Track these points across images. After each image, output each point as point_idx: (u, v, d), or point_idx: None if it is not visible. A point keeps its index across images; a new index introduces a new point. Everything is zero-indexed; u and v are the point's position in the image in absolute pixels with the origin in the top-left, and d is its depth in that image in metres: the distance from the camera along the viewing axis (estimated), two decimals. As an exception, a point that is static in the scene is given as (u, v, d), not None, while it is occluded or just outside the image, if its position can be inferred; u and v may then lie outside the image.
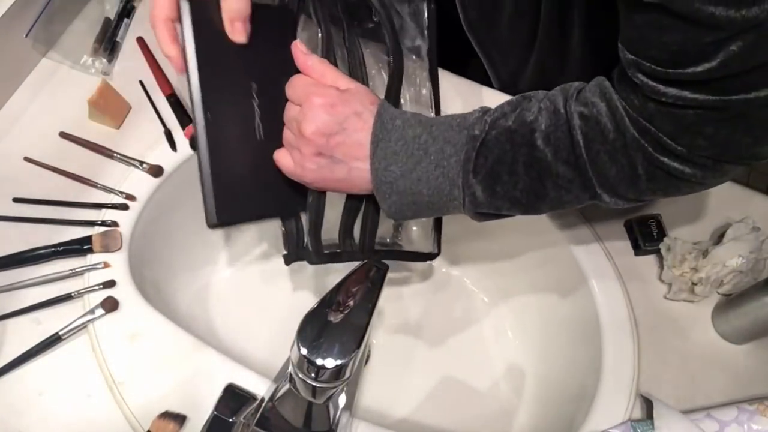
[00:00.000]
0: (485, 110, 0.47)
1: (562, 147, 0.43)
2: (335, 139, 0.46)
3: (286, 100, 0.49)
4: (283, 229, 0.54)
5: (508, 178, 0.44)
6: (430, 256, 0.61)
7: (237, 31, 0.47)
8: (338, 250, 0.54)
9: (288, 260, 0.54)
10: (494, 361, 0.71)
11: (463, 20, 0.61)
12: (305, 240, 0.53)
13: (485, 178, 0.45)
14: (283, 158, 0.49)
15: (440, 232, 0.61)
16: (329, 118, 0.45)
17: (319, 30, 0.51)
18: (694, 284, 0.59)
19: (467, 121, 0.46)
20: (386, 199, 0.47)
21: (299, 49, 0.48)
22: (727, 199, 0.65)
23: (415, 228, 0.62)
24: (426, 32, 0.56)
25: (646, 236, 0.61)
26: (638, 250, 0.62)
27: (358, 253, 0.54)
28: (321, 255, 0.52)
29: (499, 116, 0.45)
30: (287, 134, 0.49)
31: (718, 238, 0.61)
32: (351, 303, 0.38)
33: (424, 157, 0.45)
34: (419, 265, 0.76)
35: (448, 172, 0.45)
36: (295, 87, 0.48)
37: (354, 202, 0.52)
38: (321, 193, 0.51)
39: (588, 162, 0.42)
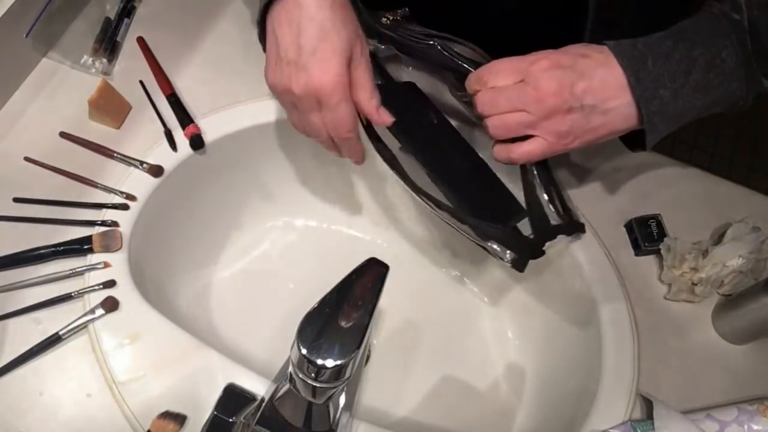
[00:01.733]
0: None
1: None
2: (579, 87, 0.44)
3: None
4: (494, 241, 0.51)
5: None
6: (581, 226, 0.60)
7: (384, 115, 0.49)
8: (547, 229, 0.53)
9: (523, 265, 0.52)
10: (494, 361, 0.71)
11: None
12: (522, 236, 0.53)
13: (763, 63, 0.43)
14: (525, 147, 0.47)
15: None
16: (562, 72, 0.44)
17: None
18: (694, 284, 0.59)
19: (715, 11, 0.44)
20: (654, 131, 0.45)
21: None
22: (727, 199, 0.65)
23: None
24: None
25: (646, 236, 0.61)
26: (638, 250, 0.62)
27: (567, 226, 0.54)
28: (549, 237, 0.52)
29: None
30: (516, 120, 0.46)
31: (718, 238, 0.61)
32: (352, 303, 0.38)
33: (693, 66, 0.43)
34: (419, 265, 0.76)
35: (724, 70, 0.43)
36: (498, 72, 0.47)
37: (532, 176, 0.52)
38: (547, 171, 0.51)
39: None
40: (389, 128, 0.52)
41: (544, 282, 0.68)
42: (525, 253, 0.51)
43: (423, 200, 0.52)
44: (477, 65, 0.55)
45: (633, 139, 0.50)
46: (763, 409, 0.51)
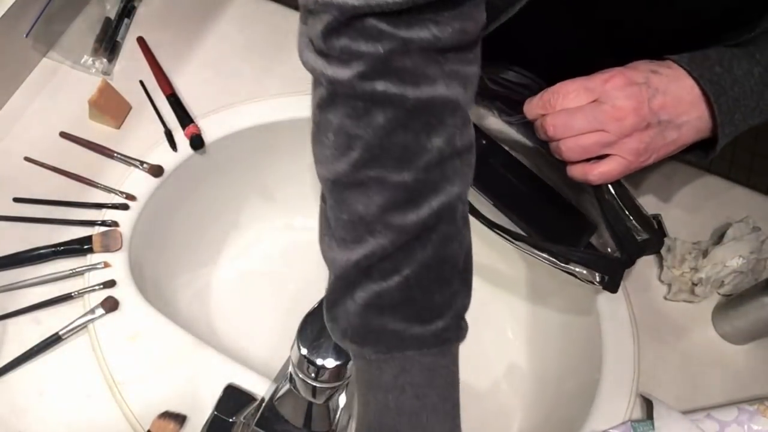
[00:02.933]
0: None
1: None
2: (656, 103, 0.44)
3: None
4: (579, 265, 0.51)
5: None
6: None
7: None
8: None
9: (615, 285, 0.51)
10: (494, 361, 0.71)
11: None
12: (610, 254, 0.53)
13: None
14: (602, 168, 0.46)
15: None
16: (638, 89, 0.44)
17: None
18: (694, 284, 0.59)
19: None
20: (721, 146, 0.46)
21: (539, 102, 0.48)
22: (727, 199, 0.65)
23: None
24: None
25: (646, 236, 0.61)
26: (638, 250, 0.62)
27: (653, 239, 0.52)
28: (639, 253, 0.51)
29: None
30: (594, 141, 0.45)
31: (718, 238, 0.61)
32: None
33: (765, 90, 0.44)
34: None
35: None
36: (567, 93, 0.46)
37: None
38: (622, 187, 0.50)
39: None
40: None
41: (544, 282, 0.68)
42: (616, 273, 0.50)
43: (498, 234, 0.52)
44: (527, 88, 0.54)
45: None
46: (763, 409, 0.51)
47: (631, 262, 0.51)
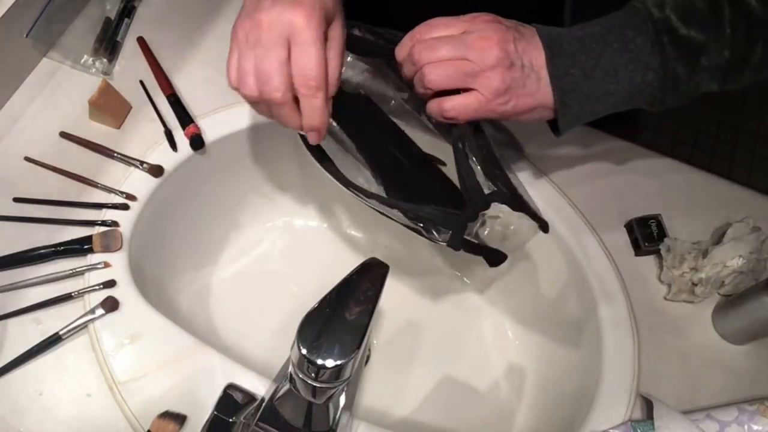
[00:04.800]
0: None
1: None
2: (521, 45, 0.44)
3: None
4: (426, 221, 0.48)
5: (715, 45, 0.43)
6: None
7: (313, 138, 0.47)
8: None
9: (457, 242, 0.48)
10: (494, 361, 0.71)
11: None
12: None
13: (685, 52, 0.43)
14: (458, 99, 0.45)
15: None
16: (504, 27, 0.44)
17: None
18: (694, 285, 0.59)
19: (636, 4, 0.45)
20: (567, 113, 0.45)
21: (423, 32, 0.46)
22: (727, 199, 0.65)
23: None
24: None
25: (646, 236, 0.61)
26: (638, 250, 0.62)
27: (502, 194, 0.48)
28: (482, 206, 0.48)
29: None
30: (456, 67, 0.44)
31: (718, 238, 0.61)
32: (352, 303, 0.38)
33: (606, 48, 0.43)
34: (419, 266, 0.76)
35: (637, 55, 0.43)
36: (436, 25, 0.45)
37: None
38: (481, 135, 0.48)
39: None
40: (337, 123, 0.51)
41: (544, 282, 0.68)
42: (459, 228, 0.48)
43: (351, 191, 0.49)
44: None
45: (555, 126, 0.49)
46: (763, 410, 0.51)
47: (474, 216, 0.48)
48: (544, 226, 0.51)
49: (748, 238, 0.58)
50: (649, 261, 0.62)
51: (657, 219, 0.62)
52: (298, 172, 0.73)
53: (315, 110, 0.44)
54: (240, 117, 0.64)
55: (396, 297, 0.73)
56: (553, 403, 0.64)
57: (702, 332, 0.59)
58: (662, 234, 0.61)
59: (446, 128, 0.50)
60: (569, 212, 0.63)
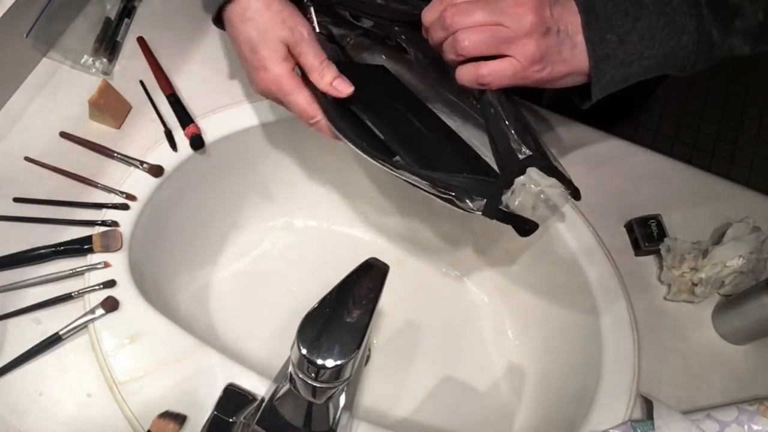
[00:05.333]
0: None
1: None
2: (556, 10, 0.43)
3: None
4: (458, 190, 0.46)
5: (751, 7, 0.43)
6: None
7: (340, 86, 0.49)
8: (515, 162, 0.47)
9: (494, 209, 0.46)
10: (494, 361, 0.71)
11: None
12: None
13: (720, 15, 0.43)
14: (494, 65, 0.44)
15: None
16: None
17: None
18: (694, 285, 0.59)
19: None
20: (601, 78, 0.44)
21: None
22: (727, 199, 0.65)
23: None
24: None
25: (646, 236, 0.61)
26: (638, 250, 0.62)
27: (538, 158, 0.47)
28: (518, 171, 0.46)
29: None
30: (492, 33, 0.43)
31: (718, 238, 0.61)
32: (352, 303, 0.38)
33: (642, 11, 0.43)
34: (419, 265, 0.76)
35: (673, 18, 0.42)
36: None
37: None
38: (511, 102, 0.47)
39: None
40: (353, 102, 0.51)
41: (544, 282, 0.68)
42: (495, 195, 0.46)
43: (381, 164, 0.48)
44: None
45: (583, 93, 0.49)
46: (763, 410, 0.51)
47: (510, 183, 0.47)
48: (575, 193, 0.51)
49: (748, 238, 0.58)
50: (649, 261, 0.62)
51: (657, 219, 0.62)
52: (298, 172, 0.73)
53: (322, 130, 0.51)
54: (240, 117, 0.64)
55: (396, 297, 0.73)
56: (553, 403, 0.64)
57: (702, 332, 0.59)
58: (662, 234, 0.61)
59: (474, 95, 0.49)
60: (569, 212, 0.63)
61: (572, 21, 0.44)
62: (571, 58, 0.44)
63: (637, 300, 0.60)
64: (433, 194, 0.47)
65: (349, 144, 0.49)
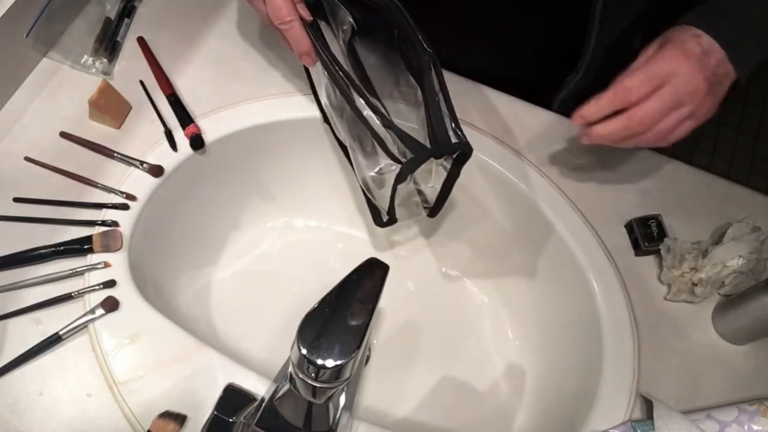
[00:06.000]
0: None
1: None
2: (712, 62, 0.50)
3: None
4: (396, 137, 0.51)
5: None
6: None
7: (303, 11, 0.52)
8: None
9: (410, 170, 0.50)
10: (494, 361, 0.71)
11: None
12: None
13: None
14: (681, 131, 0.52)
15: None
16: (696, 60, 0.50)
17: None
18: (694, 285, 0.59)
19: None
20: (744, 67, 0.52)
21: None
22: (727, 199, 0.65)
23: None
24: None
25: (646, 236, 0.61)
26: (638, 250, 0.62)
27: (464, 144, 0.51)
28: (447, 150, 0.51)
29: None
30: (673, 119, 0.50)
31: (719, 238, 0.61)
32: (352, 303, 0.38)
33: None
34: (419, 266, 0.76)
35: None
36: (633, 87, 0.50)
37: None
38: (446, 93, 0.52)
39: None
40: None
41: (544, 282, 0.69)
42: (421, 156, 0.50)
43: (341, 80, 0.52)
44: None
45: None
46: (764, 410, 0.51)
47: (438, 155, 0.51)
48: (432, 212, 0.58)
49: (748, 238, 0.58)
50: (649, 261, 0.62)
51: (657, 219, 0.62)
52: (298, 172, 0.73)
53: (294, 38, 0.52)
54: (240, 117, 0.64)
55: (396, 297, 0.73)
56: (553, 403, 0.64)
57: (702, 332, 0.59)
58: (662, 234, 0.61)
59: (419, 78, 0.53)
60: (569, 212, 0.63)
61: (723, 63, 0.51)
62: (726, 81, 0.52)
63: (637, 300, 0.60)
64: (370, 129, 0.51)
65: (320, 59, 0.53)
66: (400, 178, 0.50)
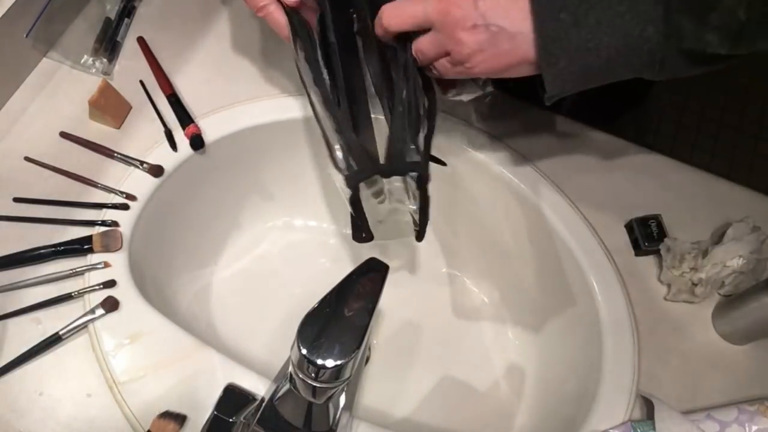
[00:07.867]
0: None
1: None
2: (485, 3, 0.41)
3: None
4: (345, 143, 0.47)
5: (730, 2, 0.37)
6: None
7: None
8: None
9: (354, 181, 0.46)
10: (494, 361, 0.71)
11: None
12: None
13: (694, 6, 0.37)
14: (440, 67, 0.45)
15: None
16: None
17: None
18: (694, 285, 0.59)
19: None
20: (552, 65, 0.40)
21: None
22: (727, 199, 0.65)
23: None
24: None
25: (646, 236, 0.61)
26: (638, 250, 0.62)
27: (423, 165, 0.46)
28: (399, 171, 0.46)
29: None
30: (426, 42, 0.45)
31: (719, 238, 0.61)
32: (352, 303, 0.38)
33: None
34: (419, 265, 0.76)
35: (637, 4, 0.38)
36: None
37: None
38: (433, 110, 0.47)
39: None
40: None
41: (544, 282, 0.68)
42: (365, 168, 0.45)
43: (311, 69, 0.49)
44: None
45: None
46: (764, 410, 0.51)
47: (386, 173, 0.46)
48: (419, 235, 0.51)
49: (748, 238, 0.58)
50: (649, 261, 0.62)
51: (657, 219, 0.62)
52: (298, 172, 0.73)
53: (271, 20, 0.51)
54: (240, 117, 0.64)
55: (396, 297, 0.73)
56: (553, 403, 0.64)
57: (702, 332, 0.59)
58: (662, 234, 0.61)
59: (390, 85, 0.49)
60: (569, 212, 0.63)
61: (506, 12, 0.41)
62: (512, 49, 0.42)
63: (637, 300, 0.60)
64: (322, 131, 0.47)
65: (295, 43, 0.50)
66: (351, 192, 0.46)
